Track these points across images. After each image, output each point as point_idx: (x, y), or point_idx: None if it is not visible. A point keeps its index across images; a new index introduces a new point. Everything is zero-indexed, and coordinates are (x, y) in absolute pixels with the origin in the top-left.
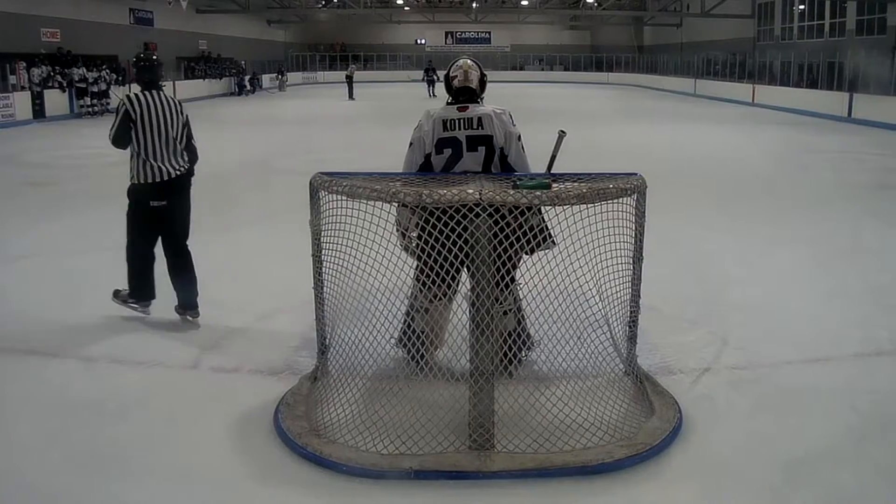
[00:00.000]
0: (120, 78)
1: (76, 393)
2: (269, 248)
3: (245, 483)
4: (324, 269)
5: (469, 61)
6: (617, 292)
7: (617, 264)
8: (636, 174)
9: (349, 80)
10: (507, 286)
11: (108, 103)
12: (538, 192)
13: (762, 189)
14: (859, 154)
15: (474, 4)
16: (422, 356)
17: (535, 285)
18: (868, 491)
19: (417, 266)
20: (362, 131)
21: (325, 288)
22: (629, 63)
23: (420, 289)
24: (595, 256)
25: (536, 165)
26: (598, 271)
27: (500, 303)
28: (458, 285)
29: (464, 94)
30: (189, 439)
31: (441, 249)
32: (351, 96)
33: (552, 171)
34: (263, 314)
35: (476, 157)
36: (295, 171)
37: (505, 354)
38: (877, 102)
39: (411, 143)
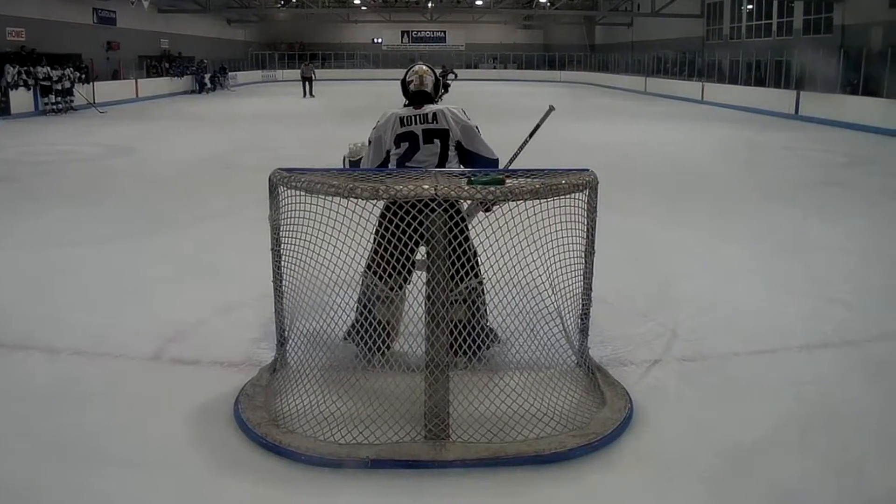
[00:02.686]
0: (83, 76)
1: (40, 384)
2: (230, 243)
3: (205, 472)
4: (283, 262)
5: (424, 67)
6: (569, 286)
7: (569, 258)
8: (588, 170)
9: (307, 79)
10: (461, 279)
11: (72, 101)
12: (492, 188)
13: (710, 184)
14: (805, 151)
15: (430, 4)
16: (383, 341)
17: (490, 279)
18: (813, 480)
19: (369, 257)
20: (320, 128)
21: (283, 281)
22: (581, 62)
23: (380, 278)
24: (548, 251)
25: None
26: (550, 265)
27: (450, 292)
28: (411, 276)
29: (419, 98)
30: (150, 429)
31: (397, 244)
32: (311, 94)
33: (526, 144)
34: (224, 307)
35: (432, 148)
36: (254, 167)
37: (451, 345)
38: (823, 100)
39: (370, 142)
